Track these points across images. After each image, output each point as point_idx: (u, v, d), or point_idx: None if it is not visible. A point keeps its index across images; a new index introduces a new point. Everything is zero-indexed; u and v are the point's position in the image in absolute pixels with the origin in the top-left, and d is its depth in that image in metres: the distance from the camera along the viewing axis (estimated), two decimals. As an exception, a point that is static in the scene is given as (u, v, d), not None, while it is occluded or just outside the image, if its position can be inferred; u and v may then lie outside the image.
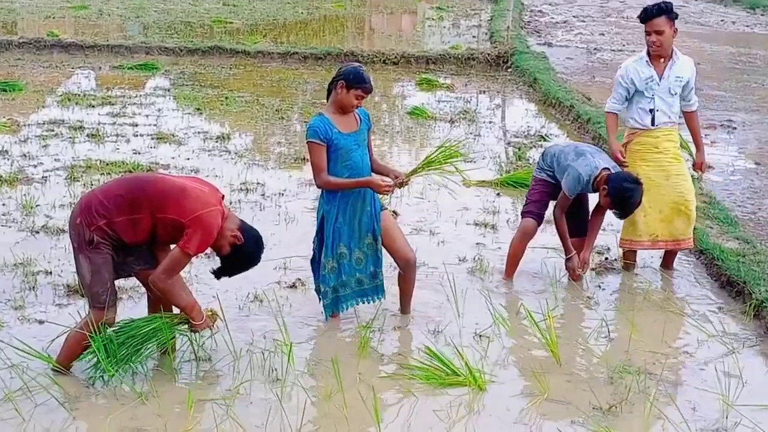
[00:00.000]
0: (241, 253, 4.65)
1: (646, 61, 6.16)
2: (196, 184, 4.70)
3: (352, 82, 5.06)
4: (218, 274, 4.80)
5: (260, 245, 4.73)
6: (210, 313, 4.78)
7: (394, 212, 7.37)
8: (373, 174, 5.28)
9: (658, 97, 6.14)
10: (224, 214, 4.62)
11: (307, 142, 5.13)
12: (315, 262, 5.45)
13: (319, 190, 5.43)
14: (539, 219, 6.19)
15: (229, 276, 4.81)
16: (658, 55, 6.12)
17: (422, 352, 5.01)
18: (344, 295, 5.42)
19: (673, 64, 6.15)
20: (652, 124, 6.18)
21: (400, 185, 5.30)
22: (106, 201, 4.51)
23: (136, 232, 4.53)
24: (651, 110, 6.16)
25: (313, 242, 5.44)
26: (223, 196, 4.80)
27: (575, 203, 6.05)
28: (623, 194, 5.68)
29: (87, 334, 4.52)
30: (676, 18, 6.10)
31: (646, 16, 6.05)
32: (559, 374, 4.93)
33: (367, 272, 5.42)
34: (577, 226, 6.14)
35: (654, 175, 6.15)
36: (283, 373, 4.71)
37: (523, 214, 6.26)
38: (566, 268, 6.18)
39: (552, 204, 6.17)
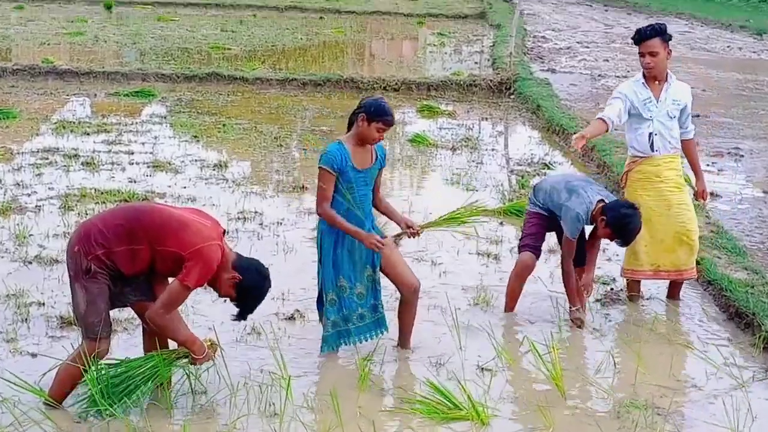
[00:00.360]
0: (246, 289, 4.56)
1: (642, 83, 6.09)
2: (197, 216, 4.63)
3: (373, 115, 5.00)
4: (239, 317, 4.72)
5: (262, 273, 4.62)
6: (209, 343, 4.69)
7: (396, 241, 7.27)
8: (374, 215, 5.24)
9: (657, 121, 6.05)
10: (224, 250, 4.54)
11: (320, 167, 5.04)
12: (319, 292, 5.34)
13: (318, 218, 5.34)
14: (537, 252, 6.09)
15: (250, 313, 4.71)
16: (654, 77, 6.06)
17: (423, 385, 4.89)
18: (345, 330, 5.29)
19: (668, 86, 6.09)
20: (652, 149, 6.08)
21: (413, 235, 5.24)
22: (105, 230, 4.43)
23: (134, 263, 4.45)
24: (650, 134, 6.07)
25: (318, 272, 5.32)
26: (225, 231, 4.73)
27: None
28: (622, 222, 5.61)
29: (79, 367, 4.40)
30: (670, 39, 6.05)
31: (640, 37, 6.00)
32: (564, 408, 4.83)
33: (368, 306, 5.31)
34: (576, 257, 6.01)
35: (655, 204, 6.07)
36: (281, 408, 4.59)
37: (521, 248, 6.14)
38: (571, 320, 6.02)
39: (548, 235, 6.13)
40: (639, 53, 6.05)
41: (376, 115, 5.00)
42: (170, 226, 4.44)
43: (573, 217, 5.73)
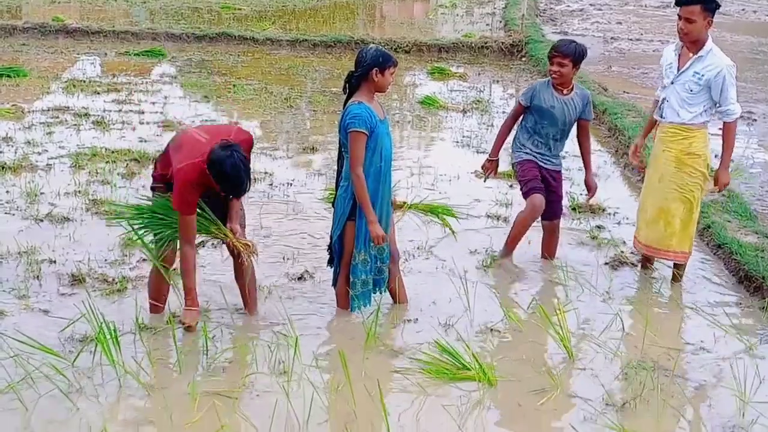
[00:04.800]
0: (212, 173, 4.64)
1: (677, 47, 5.82)
2: (202, 133, 4.88)
3: (383, 63, 5.05)
4: (232, 196, 4.95)
5: (217, 152, 4.62)
6: (245, 242, 5.03)
7: (404, 203, 7.27)
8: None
9: (672, 89, 5.78)
10: (202, 165, 4.68)
11: (353, 132, 5.00)
12: (336, 253, 5.31)
13: (334, 181, 5.34)
14: (543, 193, 6.12)
15: (235, 191, 4.77)
16: (687, 45, 5.72)
17: (431, 346, 4.91)
18: (370, 290, 5.34)
19: (700, 58, 5.66)
20: (660, 116, 5.89)
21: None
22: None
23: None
24: (663, 99, 5.85)
25: (332, 232, 5.30)
26: (235, 133, 4.93)
27: (547, 189, 6.13)
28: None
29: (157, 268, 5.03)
30: (717, 9, 5.59)
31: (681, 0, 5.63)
32: (572, 369, 4.84)
33: (386, 262, 5.35)
34: (550, 210, 6.21)
35: (651, 173, 5.96)
36: (289, 367, 4.62)
37: (529, 191, 6.12)
38: (482, 167, 6.34)
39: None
40: (677, 15, 5.68)
41: (386, 62, 5.05)
42: (176, 148, 4.88)
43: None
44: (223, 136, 4.82)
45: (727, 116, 5.74)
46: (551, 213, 6.28)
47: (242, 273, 5.19)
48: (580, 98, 6.10)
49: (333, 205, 5.29)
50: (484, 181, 6.42)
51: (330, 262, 5.42)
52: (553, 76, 5.99)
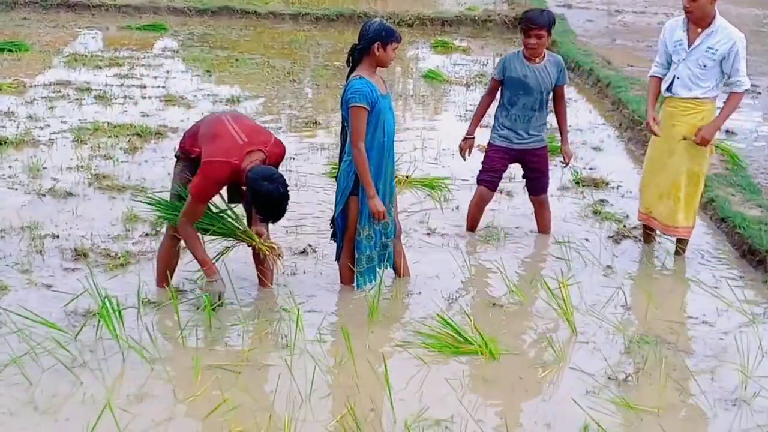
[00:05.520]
0: (253, 194, 4.64)
1: (683, 23, 5.77)
2: (240, 131, 4.83)
3: (386, 38, 5.01)
4: (263, 221, 5.00)
5: (267, 178, 4.62)
6: (270, 245, 5.02)
7: (407, 177, 7.26)
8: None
9: (684, 65, 5.72)
10: (237, 166, 4.68)
11: (353, 107, 4.96)
12: (338, 228, 5.29)
13: (337, 155, 5.32)
14: (493, 186, 6.29)
15: (269, 218, 4.83)
16: (694, 21, 5.70)
17: (434, 320, 4.91)
18: (374, 266, 5.33)
19: (711, 33, 5.63)
20: (670, 90, 5.83)
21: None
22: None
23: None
24: (674, 77, 5.79)
25: (336, 207, 5.27)
26: (271, 146, 4.89)
27: (525, 167, 6.22)
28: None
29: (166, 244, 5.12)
30: None
31: None
32: (575, 343, 4.84)
33: (390, 237, 5.34)
34: (532, 186, 6.30)
35: (660, 147, 5.90)
36: (292, 341, 4.62)
37: (480, 181, 6.27)
38: (459, 146, 6.27)
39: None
40: None
41: (389, 36, 5.01)
42: (209, 135, 4.82)
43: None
44: (262, 143, 4.83)
45: (737, 87, 5.72)
46: (535, 189, 6.30)
47: (267, 275, 5.27)
48: (553, 65, 6.02)
49: (336, 180, 5.27)
50: (464, 160, 6.36)
51: (333, 237, 5.41)
52: (531, 48, 5.93)
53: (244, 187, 4.70)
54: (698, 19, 5.66)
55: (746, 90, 5.83)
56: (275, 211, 4.70)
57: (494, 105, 6.32)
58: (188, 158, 4.94)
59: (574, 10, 17.39)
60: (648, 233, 6.28)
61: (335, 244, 5.39)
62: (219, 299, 4.95)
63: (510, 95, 6.07)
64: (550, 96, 6.15)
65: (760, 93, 11.23)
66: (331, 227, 5.41)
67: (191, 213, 4.82)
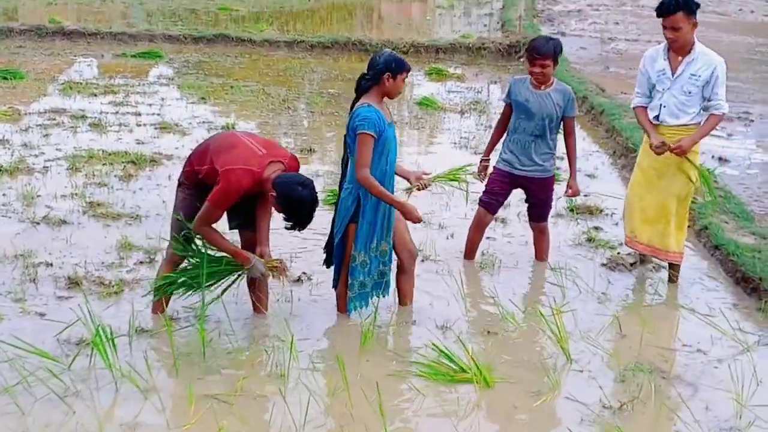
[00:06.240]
0: (284, 200, 4.68)
1: (664, 52, 5.85)
2: (256, 144, 4.87)
3: (396, 69, 5.05)
4: (292, 228, 4.93)
5: (299, 183, 4.70)
6: (277, 262, 5.05)
7: (408, 194, 7.25)
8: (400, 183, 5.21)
9: (669, 93, 5.80)
10: (260, 174, 4.72)
11: (361, 134, 4.96)
12: (336, 256, 5.28)
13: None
14: (492, 210, 6.33)
15: (301, 224, 4.85)
16: (677, 50, 5.77)
17: (429, 349, 4.89)
18: (367, 292, 5.32)
19: (691, 60, 5.74)
20: (657, 119, 5.87)
21: (423, 188, 5.29)
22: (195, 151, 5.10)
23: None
24: (660, 105, 5.84)
25: (335, 233, 5.26)
26: (289, 159, 4.92)
27: (526, 194, 6.23)
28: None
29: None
30: (696, 9, 5.69)
31: (662, 11, 5.70)
32: (569, 371, 4.83)
33: (388, 265, 5.34)
34: (532, 213, 6.31)
35: (646, 171, 5.94)
36: (286, 370, 4.61)
37: (481, 203, 6.31)
38: (477, 169, 6.31)
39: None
40: (662, 26, 5.75)
41: (399, 67, 5.06)
42: (225, 146, 4.82)
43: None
44: (281, 156, 4.88)
45: (716, 109, 5.81)
46: (535, 216, 6.31)
47: (262, 301, 5.27)
48: (560, 94, 6.01)
49: (336, 207, 5.27)
50: (482, 182, 6.40)
51: (326, 263, 5.41)
52: (536, 78, 5.96)
53: (272, 194, 4.70)
54: (680, 48, 5.75)
55: (724, 113, 5.89)
56: (306, 216, 4.75)
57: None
58: (193, 184, 4.93)
59: (567, 37, 17.51)
60: (640, 257, 6.31)
61: (331, 271, 5.39)
62: (282, 272, 5.06)
63: (515, 119, 6.10)
64: (556, 126, 6.08)
65: (752, 120, 11.29)
66: (324, 252, 5.40)
67: (206, 219, 4.81)
